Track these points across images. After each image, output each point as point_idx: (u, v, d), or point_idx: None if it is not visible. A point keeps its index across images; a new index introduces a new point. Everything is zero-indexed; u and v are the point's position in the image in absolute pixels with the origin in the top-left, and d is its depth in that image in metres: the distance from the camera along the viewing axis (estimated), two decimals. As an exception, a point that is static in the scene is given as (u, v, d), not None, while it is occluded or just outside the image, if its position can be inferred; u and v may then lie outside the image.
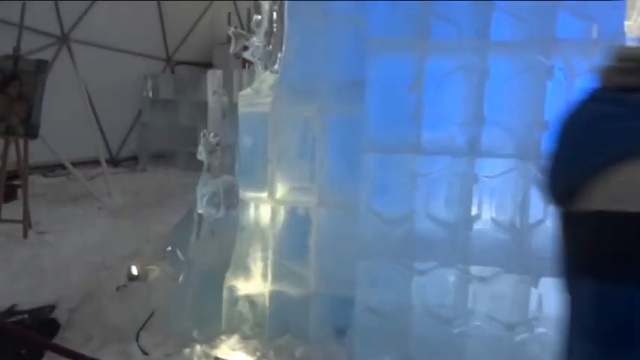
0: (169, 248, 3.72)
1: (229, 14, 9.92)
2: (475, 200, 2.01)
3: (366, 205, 2.16)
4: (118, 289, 3.24)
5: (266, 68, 2.62)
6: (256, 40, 2.57)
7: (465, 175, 1.98)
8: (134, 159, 9.10)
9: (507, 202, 2.01)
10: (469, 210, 2.01)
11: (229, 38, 10.19)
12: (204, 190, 2.86)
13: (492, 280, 2.02)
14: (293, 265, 2.62)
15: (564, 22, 1.85)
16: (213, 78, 6.90)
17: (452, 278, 2.06)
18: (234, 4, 10.15)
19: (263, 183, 2.63)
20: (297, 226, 2.61)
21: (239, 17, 10.27)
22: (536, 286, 1.94)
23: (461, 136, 1.98)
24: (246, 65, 6.87)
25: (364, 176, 2.17)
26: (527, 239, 1.97)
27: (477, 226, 2.00)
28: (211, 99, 4.25)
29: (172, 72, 9.57)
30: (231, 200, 2.89)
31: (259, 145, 2.61)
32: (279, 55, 2.73)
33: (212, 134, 2.80)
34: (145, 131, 9.08)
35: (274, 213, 2.58)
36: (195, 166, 8.82)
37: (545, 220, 1.93)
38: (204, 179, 2.87)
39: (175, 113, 8.73)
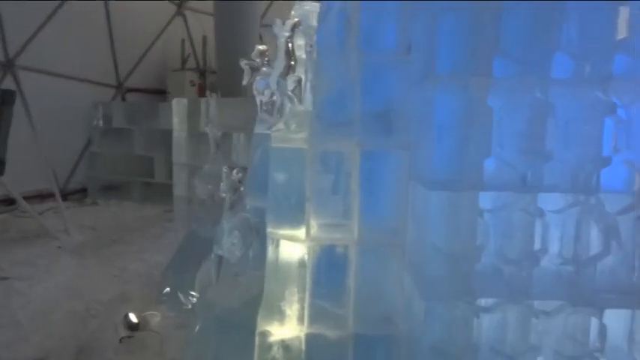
0: (167, 290, 3.48)
1: (183, 41, 9.72)
2: (537, 235, 2.02)
3: (432, 244, 2.11)
4: (121, 340, 2.95)
5: (296, 103, 2.53)
6: (292, 75, 2.49)
7: (529, 210, 1.99)
8: (82, 191, 8.55)
9: (568, 236, 2.04)
10: (532, 245, 2.02)
11: (183, 64, 10.02)
12: (225, 229, 2.70)
13: (555, 314, 2.03)
14: (330, 306, 2.51)
15: (619, 62, 1.95)
16: (178, 107, 6.65)
17: (515, 314, 2.05)
18: (187, 30, 9.96)
19: (297, 220, 2.51)
20: (333, 264, 2.51)
21: (192, 42, 10.07)
22: (600, 318, 1.98)
23: (523, 171, 2.00)
24: (215, 94, 6.70)
25: (429, 214, 2.13)
26: (588, 272, 2.01)
27: (542, 261, 2.01)
28: (207, 129, 4.07)
29: (123, 99, 9.17)
30: (249, 239, 2.76)
31: (294, 181, 2.50)
32: (302, 88, 2.66)
33: (235, 170, 2.66)
34: (94, 162, 8.59)
35: (311, 251, 2.47)
36: (153, 197, 8.47)
37: (605, 254, 1.98)
38: (226, 218, 2.71)
39: (129, 142, 8.33)
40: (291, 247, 2.59)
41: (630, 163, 1.94)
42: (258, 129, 3.56)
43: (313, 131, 2.44)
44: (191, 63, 9.93)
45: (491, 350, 2.07)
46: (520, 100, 1.98)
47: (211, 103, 6.63)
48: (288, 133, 2.53)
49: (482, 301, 2.03)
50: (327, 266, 2.53)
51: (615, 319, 2.06)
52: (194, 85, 9.26)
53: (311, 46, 2.94)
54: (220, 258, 2.71)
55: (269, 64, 3.37)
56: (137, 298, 3.73)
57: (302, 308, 2.52)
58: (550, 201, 2.05)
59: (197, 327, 2.80)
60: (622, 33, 1.93)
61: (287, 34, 2.96)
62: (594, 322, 2.05)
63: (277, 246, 2.64)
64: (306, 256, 2.51)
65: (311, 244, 2.49)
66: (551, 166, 2.00)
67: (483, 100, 2.00)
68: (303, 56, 2.91)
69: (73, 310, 3.59)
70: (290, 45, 2.97)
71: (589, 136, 1.96)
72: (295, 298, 2.55)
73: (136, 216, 7.45)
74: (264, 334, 2.55)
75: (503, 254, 2.03)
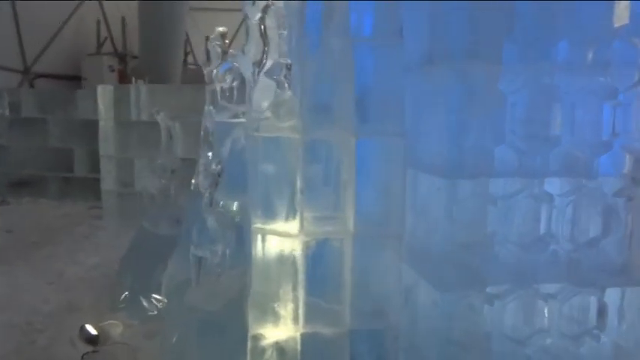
0: (125, 295, 3.18)
1: (98, 22, 8.96)
2: (543, 220, 2.04)
3: (442, 233, 2.06)
4: (84, 356, 2.62)
5: (286, 89, 2.36)
6: (282, 59, 2.30)
7: (537, 196, 2.00)
8: (-12, 189, 7.65)
9: (568, 219, 2.08)
10: (539, 230, 2.04)
11: (99, 48, 9.29)
12: (204, 227, 2.48)
13: (559, 296, 2.07)
14: (325, 303, 2.39)
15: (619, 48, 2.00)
16: (104, 94, 6.11)
17: (522, 299, 2.06)
18: (102, 9, 9.19)
19: (288, 214, 2.36)
20: (328, 259, 2.39)
21: (107, 25, 9.32)
22: (602, 298, 2.05)
23: (531, 156, 2.00)
24: (142, 80, 6.23)
25: (437, 203, 2.07)
26: (589, 254, 2.07)
27: (550, 245, 2.04)
28: (158, 118, 3.73)
29: (31, 86, 8.29)
30: (228, 237, 2.57)
31: (283, 172, 2.34)
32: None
33: (215, 163, 2.44)
34: (1, 156, 7.70)
35: (304, 247, 2.33)
36: (73, 193, 7.79)
37: (606, 235, 2.05)
38: (205, 215, 2.48)
39: (42, 134, 7.56)
40: (281, 242, 2.44)
41: (628, 148, 2.01)
42: (220, 117, 3.33)
43: (302, 119, 2.30)
44: (107, 47, 9.20)
45: (502, 336, 2.07)
46: (528, 86, 1.98)
47: (141, 89, 6.18)
48: (277, 122, 2.36)
49: (493, 289, 2.03)
50: (321, 261, 2.41)
51: (608, 298, 2.16)
52: (113, 71, 8.59)
53: (284, 28, 2.79)
54: (200, 259, 2.49)
55: (231, 47, 3.16)
56: (86, 306, 3.37)
57: (296, 307, 2.39)
58: (550, 186, 2.08)
59: (174, 335, 2.56)
60: (623, 20, 1.98)
61: (259, 14, 2.77)
62: (593, 301, 2.12)
63: (265, 242, 2.47)
64: (298, 252, 2.37)
65: (305, 239, 2.35)
66: (555, 151, 2.02)
67: (494, 86, 1.97)
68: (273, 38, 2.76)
69: (10, 324, 3.17)
70: (263, 27, 2.79)
71: (590, 121, 2.00)
72: (288, 296, 2.40)
73: (57, 214, 6.80)
74: (257, 338, 2.39)
75: (512, 240, 2.03)
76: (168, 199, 3.76)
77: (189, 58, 9.90)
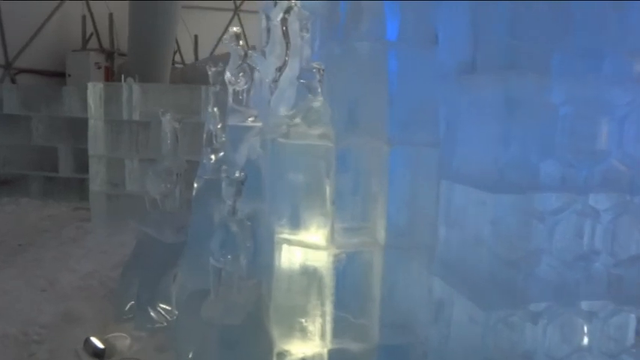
0: (131, 304, 3.03)
1: (84, 17, 8.68)
2: (586, 236, 1.99)
3: (483, 248, 1.99)
4: (92, 371, 2.47)
5: (319, 94, 2.25)
6: (315, 63, 2.20)
7: (583, 211, 1.95)
8: (-34, 188, 7.31)
9: (612, 235, 2.03)
10: (582, 246, 1.98)
11: (85, 44, 8.99)
12: (226, 238, 2.36)
13: (600, 314, 2.02)
14: (353, 317, 2.30)
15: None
16: (94, 91, 5.89)
17: (564, 317, 2.01)
18: (88, 5, 8.91)
19: (316, 225, 2.26)
20: (357, 272, 2.30)
21: (93, 21, 9.05)
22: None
23: (577, 171, 1.95)
24: (132, 78, 6.02)
25: (481, 218, 2.00)
26: (631, 271, 2.03)
27: (591, 261, 1.99)
28: (163, 120, 3.58)
29: (13, 81, 7.97)
30: (247, 245, 2.44)
31: (313, 181, 2.23)
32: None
33: (239, 171, 2.31)
34: (-19, 154, 7.37)
35: (334, 259, 2.23)
36: (56, 194, 7.51)
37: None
38: (228, 225, 2.36)
39: (25, 131, 7.26)
40: (309, 254, 2.33)
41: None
42: (232, 120, 3.21)
43: (335, 127, 2.20)
44: (93, 43, 8.93)
45: (541, 355, 2.01)
46: (575, 99, 1.93)
47: (134, 88, 5.99)
48: (307, 129, 2.25)
49: (535, 306, 1.97)
50: (351, 274, 2.31)
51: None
52: (100, 68, 8.32)
53: (307, 31, 2.69)
54: (220, 271, 2.37)
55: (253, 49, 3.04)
56: (86, 317, 3.19)
57: (323, 322, 2.29)
58: (593, 201, 2.03)
59: (190, 349, 2.43)
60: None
61: (281, 15, 2.67)
62: (632, 319, 2.08)
63: (290, 253, 2.36)
64: (327, 264, 2.27)
65: (335, 251, 2.25)
66: (600, 166, 1.97)
67: (541, 98, 1.91)
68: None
69: (5, 335, 2.98)
70: (285, 28, 2.69)
71: (636, 136, 1.96)
72: (315, 311, 2.30)
73: (41, 215, 6.54)
74: (283, 355, 2.28)
75: (554, 256, 1.97)
76: (173, 204, 3.62)
77: (176, 57, 9.68)
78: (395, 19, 2.35)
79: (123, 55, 8.62)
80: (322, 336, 2.27)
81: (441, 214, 2.28)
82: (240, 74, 3.22)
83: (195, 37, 9.76)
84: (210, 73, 3.89)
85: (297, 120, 2.27)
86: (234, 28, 3.22)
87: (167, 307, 2.99)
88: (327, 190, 2.21)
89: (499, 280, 1.97)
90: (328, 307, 2.27)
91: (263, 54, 2.79)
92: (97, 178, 6.04)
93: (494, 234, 1.96)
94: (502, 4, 1.97)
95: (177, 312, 2.83)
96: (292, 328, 2.29)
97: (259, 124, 3.04)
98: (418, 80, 2.29)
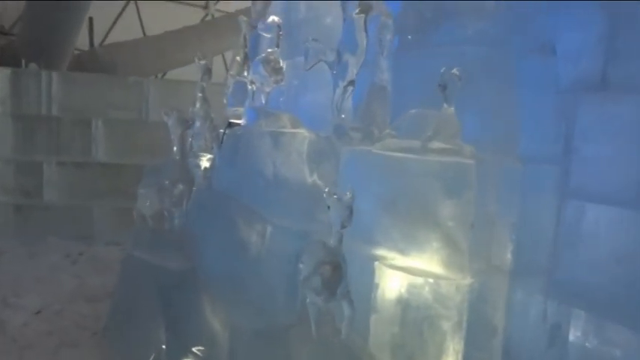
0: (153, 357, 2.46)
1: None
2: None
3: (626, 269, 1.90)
4: None
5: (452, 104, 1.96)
6: (455, 69, 1.90)
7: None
8: None
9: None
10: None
11: None
12: (335, 271, 1.97)
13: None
14: (478, 351, 2.07)
15: None
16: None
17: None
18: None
19: (439, 252, 1.99)
20: (482, 301, 2.07)
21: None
22: None
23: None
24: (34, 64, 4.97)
25: (624, 238, 1.91)
26: None
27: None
28: (166, 120, 2.95)
29: None
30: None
31: (449, 204, 1.95)
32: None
33: (348, 192, 1.92)
34: None
35: (466, 290, 1.98)
36: None
37: None
38: (337, 258, 1.97)
39: None
40: (431, 284, 2.04)
41: None
42: (267, 125, 2.78)
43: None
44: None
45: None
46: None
47: (53, 77, 4.99)
48: (437, 143, 1.94)
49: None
50: (476, 305, 2.08)
51: None
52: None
53: (389, 31, 2.39)
54: (320, 310, 1.98)
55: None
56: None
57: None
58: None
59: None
60: None
61: (359, 13, 2.35)
62: None
63: (404, 283, 2.04)
64: (455, 295, 2.00)
65: (468, 282, 2.00)
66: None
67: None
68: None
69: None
70: (364, 26, 2.38)
71: None
72: (438, 348, 2.01)
73: None
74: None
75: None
76: (171, 224, 3.04)
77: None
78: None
79: (6, 34, 7.20)
80: (451, 378, 2.02)
81: (562, 234, 2.16)
82: (272, 73, 2.80)
83: (90, 19, 8.53)
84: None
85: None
86: (275, 18, 2.78)
87: (201, 348, 2.47)
88: (466, 212, 1.96)
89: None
90: (458, 344, 2.02)
91: (338, 53, 2.41)
92: (3, 187, 4.91)
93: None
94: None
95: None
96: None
97: (301, 130, 2.66)
98: (538, 92, 2.15)
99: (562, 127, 2.15)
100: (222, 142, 3.36)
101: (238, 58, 3.79)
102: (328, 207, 1.97)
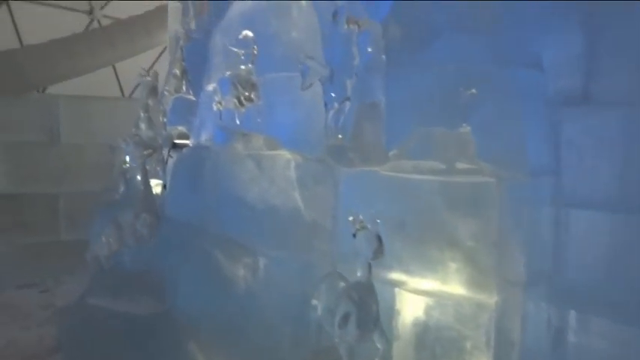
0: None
1: None
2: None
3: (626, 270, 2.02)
4: None
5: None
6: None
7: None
8: None
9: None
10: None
11: None
12: (367, 309, 1.86)
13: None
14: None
15: None
16: None
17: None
18: None
19: (465, 274, 1.97)
20: (502, 318, 2.07)
21: None
22: None
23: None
24: None
25: (621, 242, 2.03)
26: None
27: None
28: (126, 149, 2.59)
29: None
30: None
31: (470, 224, 1.93)
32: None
33: (375, 221, 1.82)
34: None
35: (494, 309, 1.96)
36: None
37: None
38: (367, 293, 1.85)
39: None
40: (455, 306, 2.00)
41: None
42: (243, 147, 2.59)
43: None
44: None
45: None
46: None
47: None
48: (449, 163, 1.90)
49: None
50: (499, 322, 2.07)
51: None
52: None
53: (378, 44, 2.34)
54: (351, 345, 1.87)
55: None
56: None
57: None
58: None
59: None
60: None
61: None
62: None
63: (431, 307, 1.97)
64: (484, 315, 1.99)
65: (495, 300, 1.99)
66: None
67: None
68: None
69: None
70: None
71: None
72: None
73: None
74: None
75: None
76: (133, 263, 2.69)
77: None
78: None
79: None
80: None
81: (558, 241, 2.25)
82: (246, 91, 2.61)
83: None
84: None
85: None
86: (248, 32, 2.58)
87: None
88: (489, 230, 1.95)
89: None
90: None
91: (330, 70, 2.29)
92: None
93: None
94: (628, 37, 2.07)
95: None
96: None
97: (282, 152, 2.50)
98: (530, 105, 2.22)
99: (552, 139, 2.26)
100: (166, 164, 3.07)
101: (177, 71, 3.49)
102: (354, 235, 1.85)
